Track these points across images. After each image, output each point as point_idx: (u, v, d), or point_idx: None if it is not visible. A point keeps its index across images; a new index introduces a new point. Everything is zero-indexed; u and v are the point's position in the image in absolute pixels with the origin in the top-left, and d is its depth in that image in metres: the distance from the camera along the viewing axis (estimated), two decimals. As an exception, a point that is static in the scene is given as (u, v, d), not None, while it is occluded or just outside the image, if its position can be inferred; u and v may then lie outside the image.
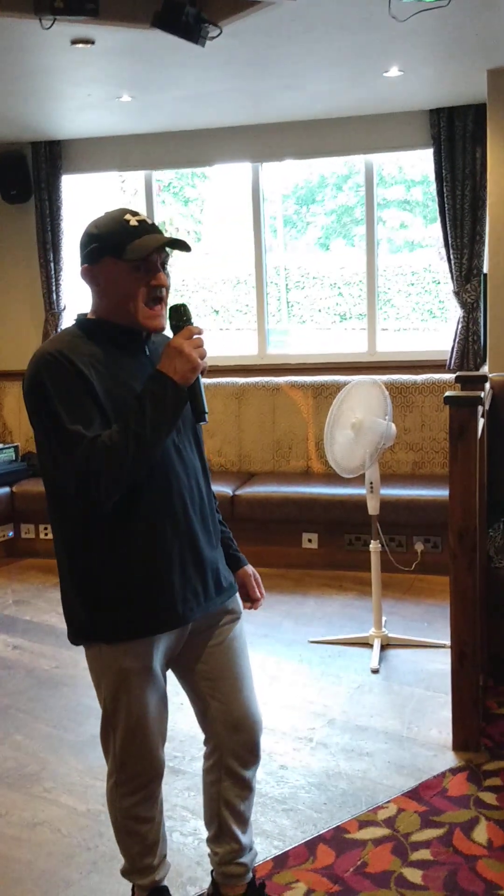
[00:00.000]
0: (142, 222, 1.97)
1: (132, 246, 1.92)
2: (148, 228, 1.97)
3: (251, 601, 2.31)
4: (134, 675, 2.01)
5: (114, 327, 1.99)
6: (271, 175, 6.07)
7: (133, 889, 2.26)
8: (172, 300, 2.16)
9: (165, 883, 2.26)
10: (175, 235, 1.98)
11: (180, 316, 1.96)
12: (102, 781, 3.01)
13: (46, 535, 5.74)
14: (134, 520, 1.94)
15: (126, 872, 2.24)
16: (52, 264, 6.29)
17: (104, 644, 2.01)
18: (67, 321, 6.38)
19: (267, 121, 5.78)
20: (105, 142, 6.17)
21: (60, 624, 4.56)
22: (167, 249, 2.00)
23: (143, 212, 6.17)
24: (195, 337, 1.92)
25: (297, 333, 6.28)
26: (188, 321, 1.96)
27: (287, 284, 6.22)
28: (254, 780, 2.25)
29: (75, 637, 2.09)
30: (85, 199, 6.41)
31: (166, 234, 2.01)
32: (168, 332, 2.04)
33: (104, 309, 2.00)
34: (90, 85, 4.80)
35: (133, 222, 1.96)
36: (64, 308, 6.36)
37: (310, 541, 5.27)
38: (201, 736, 2.26)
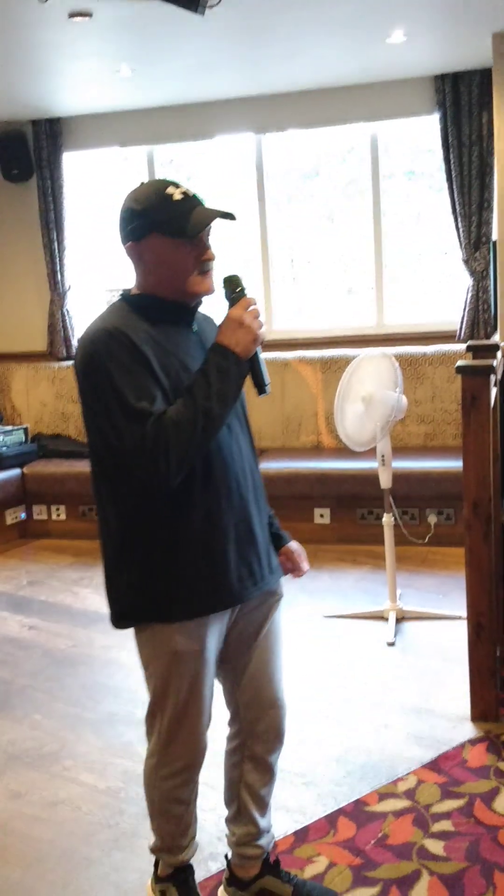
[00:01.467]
0: (185, 194, 1.90)
1: (182, 222, 1.86)
2: (193, 201, 1.91)
3: (295, 571, 2.27)
4: (187, 657, 1.97)
5: (162, 302, 1.94)
6: (274, 148, 5.97)
7: (157, 863, 2.26)
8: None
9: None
10: (219, 206, 1.96)
11: (234, 287, 1.92)
12: (122, 759, 3.05)
13: (59, 515, 5.75)
14: (190, 498, 1.91)
15: (156, 850, 2.22)
16: (55, 244, 6.25)
17: (157, 624, 1.96)
18: (73, 301, 6.35)
19: (269, 91, 5.70)
20: (106, 117, 6.10)
21: (75, 603, 4.58)
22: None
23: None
24: (252, 308, 1.89)
25: (303, 308, 6.22)
26: (243, 292, 1.91)
27: (293, 259, 6.17)
28: (276, 765, 2.25)
29: (122, 619, 2.03)
30: (87, 177, 6.35)
31: (207, 205, 1.94)
32: (201, 310, 2.01)
33: (151, 285, 1.95)
34: (89, 59, 4.75)
35: (177, 196, 1.89)
36: (69, 288, 6.32)
37: (322, 516, 5.26)
38: (226, 713, 2.24)
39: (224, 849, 2.37)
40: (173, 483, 1.81)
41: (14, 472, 5.72)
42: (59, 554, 5.45)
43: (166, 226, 1.87)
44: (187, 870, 2.23)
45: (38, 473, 5.72)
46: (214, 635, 2.01)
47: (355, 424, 4.00)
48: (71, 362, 6.29)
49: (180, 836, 2.18)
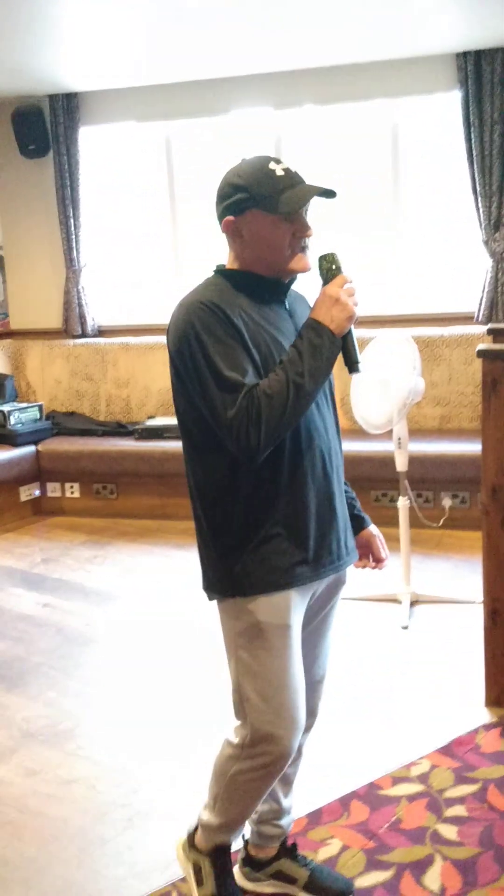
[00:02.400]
0: (286, 171, 1.91)
1: (283, 198, 1.87)
2: (294, 178, 1.91)
3: (376, 561, 2.27)
4: (270, 631, 1.94)
5: (258, 278, 1.94)
6: (292, 124, 5.91)
7: (193, 833, 2.20)
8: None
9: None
10: (317, 184, 1.95)
11: (330, 264, 1.91)
12: (136, 737, 3.07)
13: (73, 493, 5.76)
14: (277, 472, 1.91)
15: (207, 826, 2.15)
16: (71, 220, 6.21)
17: (240, 597, 1.95)
18: (87, 278, 6.32)
19: (288, 68, 5.63)
20: (123, 93, 6.04)
21: (89, 582, 4.60)
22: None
23: (164, 165, 6.09)
24: (348, 286, 1.88)
25: (313, 283, 6.16)
26: (339, 270, 1.91)
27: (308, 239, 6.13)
28: (304, 745, 2.24)
29: (209, 590, 2.03)
30: (103, 152, 6.30)
31: (307, 182, 1.93)
32: (312, 289, 1.99)
33: (247, 260, 1.95)
34: (107, 34, 4.69)
35: (279, 172, 1.89)
36: (84, 265, 6.29)
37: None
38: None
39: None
40: (262, 455, 1.82)
41: (29, 450, 5.72)
42: (72, 532, 5.46)
43: (267, 201, 1.87)
44: (227, 851, 2.19)
45: (53, 451, 5.73)
46: (298, 612, 1.99)
47: (372, 407, 3.97)
48: (86, 340, 6.29)
49: (240, 822, 2.14)
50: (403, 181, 5.75)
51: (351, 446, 5.16)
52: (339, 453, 2.09)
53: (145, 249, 6.38)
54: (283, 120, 5.90)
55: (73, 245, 6.25)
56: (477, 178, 5.36)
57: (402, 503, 4.07)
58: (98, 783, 2.84)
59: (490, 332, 3.72)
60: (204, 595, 2.07)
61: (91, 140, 6.23)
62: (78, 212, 6.21)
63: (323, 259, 1.93)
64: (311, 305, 1.94)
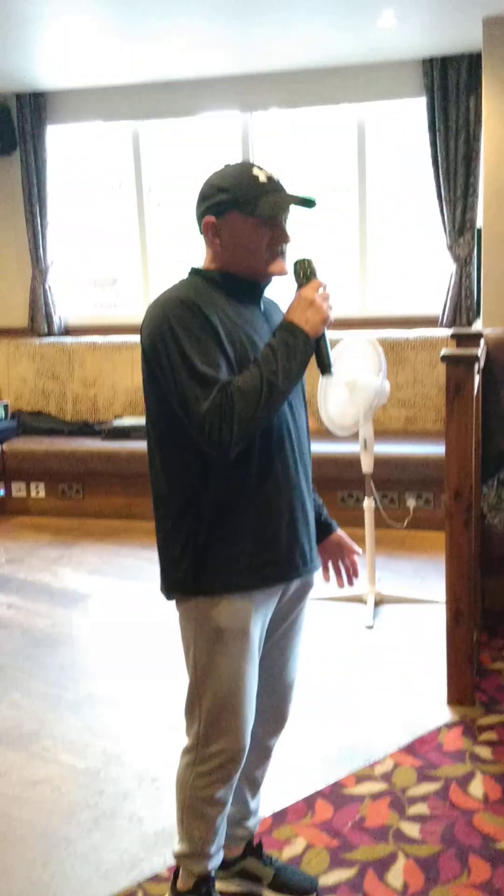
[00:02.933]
0: (269, 178, 1.94)
1: (264, 202, 1.90)
2: (276, 185, 1.94)
3: (350, 565, 2.25)
4: (229, 636, 1.94)
5: (234, 279, 1.96)
6: (259, 127, 5.94)
7: (176, 873, 2.16)
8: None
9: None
10: (298, 193, 1.96)
11: (306, 269, 1.95)
12: (101, 739, 3.06)
13: (38, 493, 5.73)
14: (246, 471, 1.91)
15: (181, 856, 2.11)
16: (38, 218, 6.19)
17: (202, 597, 1.95)
18: (54, 277, 6.30)
19: (256, 70, 5.66)
20: (91, 92, 6.03)
21: (55, 582, 4.58)
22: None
23: (132, 166, 6.07)
24: (322, 290, 1.91)
25: (286, 289, 6.19)
26: (314, 274, 1.94)
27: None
28: (273, 749, 2.25)
29: (169, 590, 2.02)
30: (71, 151, 6.28)
31: (287, 191, 1.97)
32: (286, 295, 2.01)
33: (223, 262, 1.96)
34: (76, 33, 4.68)
35: (262, 178, 1.92)
36: (51, 263, 6.26)
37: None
38: None
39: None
40: (233, 452, 1.82)
41: (-7, 449, 5.69)
42: (38, 532, 5.44)
43: (248, 205, 1.90)
44: (209, 881, 2.14)
45: (18, 450, 5.70)
46: (259, 619, 1.99)
47: (339, 409, 4.01)
48: (52, 339, 6.27)
49: (210, 843, 2.09)
50: (369, 185, 5.79)
51: (317, 447, 5.15)
52: (309, 455, 2.10)
53: (113, 248, 6.37)
54: (250, 122, 5.92)
55: (40, 243, 6.22)
56: (442, 184, 5.43)
57: (368, 504, 4.11)
58: (63, 784, 2.84)
59: (454, 336, 3.76)
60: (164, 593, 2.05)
61: (58, 139, 6.21)
62: (45, 210, 6.18)
63: (298, 264, 1.96)
64: (284, 311, 1.95)
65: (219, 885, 2.30)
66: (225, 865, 2.30)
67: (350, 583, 2.28)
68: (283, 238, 1.95)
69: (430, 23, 4.72)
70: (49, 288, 6.29)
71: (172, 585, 2.01)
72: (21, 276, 6.42)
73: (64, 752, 3.02)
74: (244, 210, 1.90)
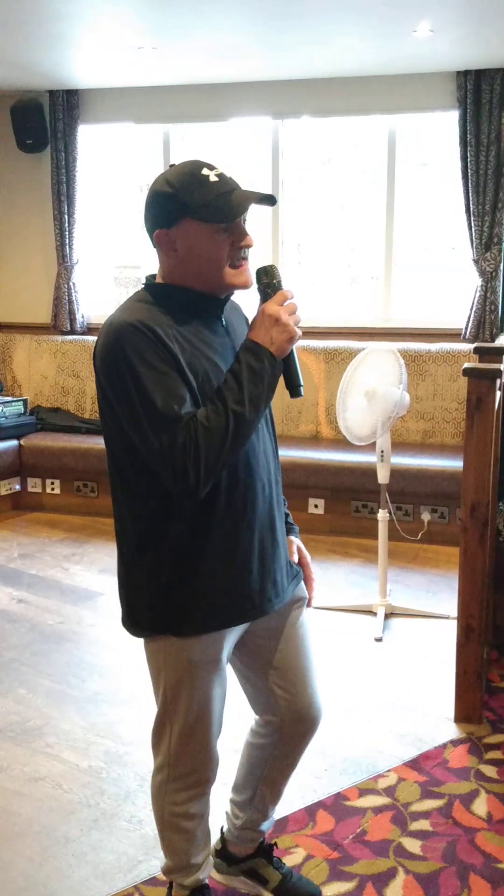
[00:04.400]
0: (220, 176, 1.75)
1: (218, 206, 1.71)
2: (229, 184, 1.75)
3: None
4: (201, 667, 1.87)
5: (191, 294, 1.79)
6: (289, 133, 5.94)
7: (169, 888, 2.13)
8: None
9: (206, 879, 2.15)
10: (257, 189, 1.79)
11: (271, 278, 1.77)
12: (105, 739, 3.05)
13: (53, 489, 5.74)
14: (215, 505, 1.78)
15: (168, 871, 2.09)
16: (66, 216, 6.21)
17: (172, 636, 1.86)
18: (79, 275, 6.32)
19: (288, 77, 5.66)
20: (123, 92, 6.06)
21: (66, 579, 4.58)
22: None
23: (161, 168, 6.10)
24: (288, 302, 1.74)
25: (308, 296, 6.19)
26: (279, 285, 1.76)
27: (299, 244, 6.15)
28: (300, 759, 2.21)
29: (136, 628, 1.91)
30: (101, 151, 6.31)
31: (243, 188, 1.78)
32: (240, 298, 1.89)
33: (180, 274, 1.79)
34: (110, 33, 4.70)
35: (212, 178, 1.74)
36: (77, 262, 6.29)
37: (316, 506, 5.26)
38: (237, 711, 2.20)
39: (219, 820, 2.37)
40: (202, 492, 1.69)
41: (11, 444, 5.71)
42: (51, 528, 5.45)
43: (202, 210, 1.72)
44: (204, 890, 2.11)
45: (35, 446, 5.71)
46: (230, 643, 1.93)
47: (356, 418, 3.99)
48: (75, 337, 6.29)
49: (194, 854, 2.05)
50: (398, 196, 5.78)
51: (334, 457, 5.21)
52: (279, 476, 1.98)
53: (138, 250, 6.39)
54: (281, 129, 5.92)
55: (67, 241, 6.25)
56: (471, 197, 5.41)
57: (382, 515, 4.09)
58: (65, 782, 2.84)
59: (477, 350, 3.74)
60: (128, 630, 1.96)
61: (89, 138, 6.23)
62: (73, 208, 6.21)
63: (262, 273, 1.78)
64: (248, 318, 1.80)
65: (224, 880, 2.31)
66: (234, 861, 2.29)
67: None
68: (244, 241, 1.77)
69: (466, 35, 4.71)
70: (73, 285, 6.31)
71: (140, 623, 1.90)
72: (46, 272, 6.44)
73: (67, 750, 3.02)
74: (198, 216, 1.72)
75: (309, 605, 2.12)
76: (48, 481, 5.76)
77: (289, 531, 2.11)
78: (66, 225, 6.23)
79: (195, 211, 1.73)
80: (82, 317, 6.37)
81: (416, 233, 5.84)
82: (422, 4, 4.16)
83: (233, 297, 1.93)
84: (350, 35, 4.70)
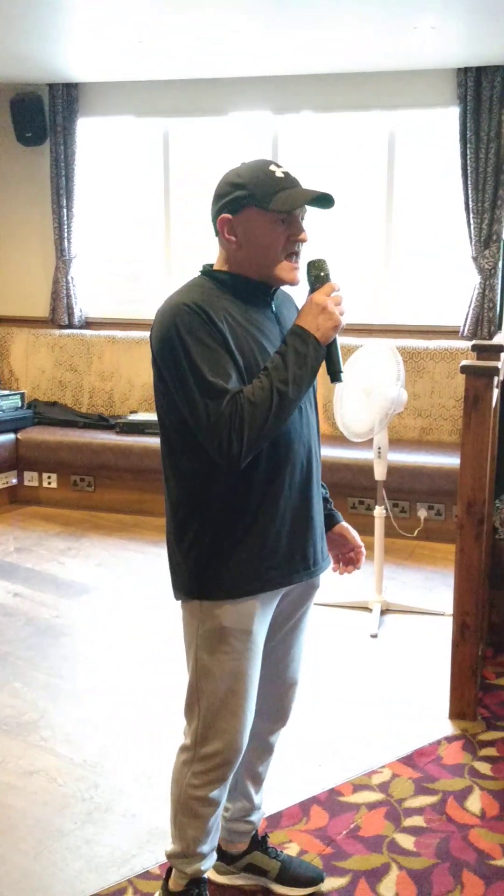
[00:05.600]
0: (286, 174, 1.89)
1: (280, 197, 1.84)
2: (293, 181, 1.89)
3: (353, 551, 2.25)
4: (232, 636, 1.94)
5: (246, 281, 1.92)
6: (289, 129, 5.93)
7: (168, 873, 2.15)
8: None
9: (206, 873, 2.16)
10: (316, 189, 1.90)
11: (319, 271, 1.89)
12: (100, 733, 3.06)
13: (50, 483, 5.74)
14: (254, 477, 1.89)
15: (174, 856, 2.11)
16: (64, 210, 6.20)
17: (206, 600, 1.94)
18: (78, 268, 6.31)
19: (288, 72, 5.66)
20: (123, 86, 6.05)
21: (62, 573, 4.58)
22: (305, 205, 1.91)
23: (160, 162, 6.09)
24: (335, 294, 1.86)
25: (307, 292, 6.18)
26: (327, 277, 1.89)
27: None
28: (275, 744, 2.26)
29: (177, 591, 2.01)
30: (100, 145, 6.30)
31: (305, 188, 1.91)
32: (299, 289, 1.98)
33: (238, 261, 1.91)
34: (111, 26, 4.69)
35: (279, 174, 1.88)
36: (75, 256, 6.28)
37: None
38: None
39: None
40: (243, 462, 1.80)
41: (8, 437, 5.70)
42: (47, 522, 5.45)
43: (265, 200, 1.85)
44: (201, 884, 2.12)
45: (32, 440, 5.71)
46: (263, 619, 1.99)
47: (354, 415, 3.99)
48: (72, 331, 6.28)
49: (203, 843, 2.08)
50: (397, 193, 5.78)
51: (331, 453, 5.20)
52: (319, 457, 2.08)
53: (137, 244, 6.38)
54: (280, 124, 5.91)
55: (65, 234, 6.24)
56: (470, 195, 5.41)
57: (379, 512, 4.09)
58: (59, 776, 2.84)
59: (474, 348, 3.74)
60: (173, 593, 2.06)
61: (88, 132, 6.22)
62: (72, 202, 6.20)
63: (312, 265, 1.91)
64: (298, 308, 1.92)
65: (226, 880, 2.32)
66: (231, 860, 2.31)
67: (349, 571, 2.27)
68: (299, 235, 1.90)
69: (467, 32, 4.70)
70: (72, 279, 6.30)
71: (179, 586, 2.01)
72: (45, 266, 6.44)
73: (62, 744, 3.02)
74: (260, 205, 1.85)
75: (359, 564, 2.26)
76: (45, 475, 5.76)
77: (337, 518, 2.24)
78: (65, 219, 6.22)
79: (258, 200, 1.86)
80: (80, 311, 6.37)
81: (415, 230, 5.83)
82: (423, 0, 4.15)
83: (286, 289, 2.04)
84: (351, 31, 4.69)
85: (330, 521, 2.22)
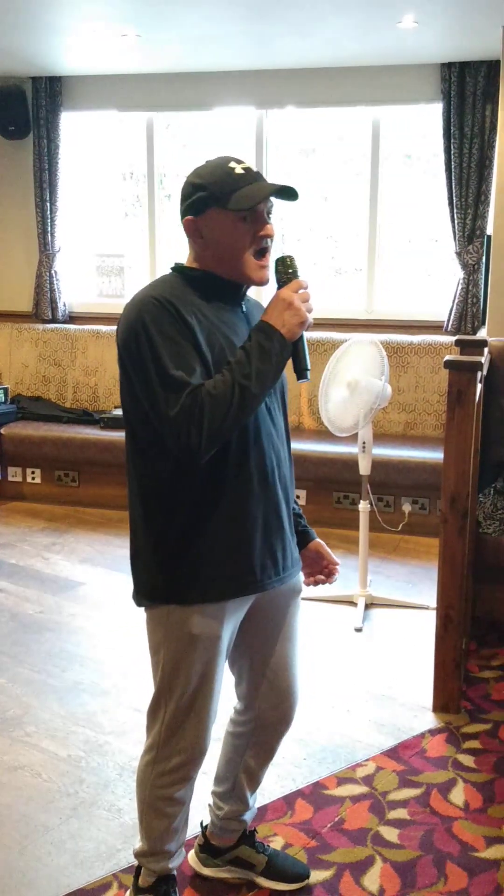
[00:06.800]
0: (247, 170, 1.87)
1: (239, 195, 1.82)
2: (254, 176, 1.87)
3: (328, 568, 2.22)
4: (201, 642, 1.92)
5: (216, 279, 1.90)
6: (273, 122, 5.93)
7: (138, 871, 2.16)
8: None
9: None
10: (281, 182, 1.89)
11: (287, 267, 1.88)
12: (84, 728, 3.05)
13: (34, 478, 5.72)
14: (222, 479, 1.86)
15: (141, 854, 2.13)
16: (48, 204, 6.17)
17: (175, 605, 1.91)
18: (61, 262, 6.29)
19: (272, 67, 5.65)
20: (107, 80, 6.02)
21: (46, 569, 4.57)
22: (271, 199, 1.89)
23: (144, 156, 6.07)
24: (303, 291, 1.85)
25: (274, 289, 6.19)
26: (295, 274, 1.87)
27: (283, 236, 6.14)
28: (277, 749, 2.25)
29: (142, 597, 1.98)
30: (84, 139, 6.27)
31: (269, 182, 1.90)
32: (265, 287, 1.97)
33: (207, 261, 1.90)
34: (95, 20, 4.67)
35: (238, 170, 1.86)
36: (59, 249, 6.25)
37: (298, 497, 5.25)
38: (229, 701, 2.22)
39: (199, 814, 2.39)
40: (203, 457, 1.77)
41: (-9, 433, 5.68)
42: (31, 518, 5.43)
43: (226, 199, 1.83)
44: (170, 880, 2.15)
45: (16, 435, 5.69)
46: (231, 623, 1.97)
47: (339, 409, 4.00)
48: (56, 325, 6.25)
49: (169, 841, 2.10)
50: (382, 188, 5.78)
51: (315, 448, 5.21)
52: (289, 461, 2.05)
53: (121, 238, 6.36)
54: (265, 120, 5.90)
55: (48, 228, 6.21)
56: (454, 190, 5.42)
57: (363, 506, 4.10)
58: (44, 771, 2.84)
59: (458, 343, 3.75)
60: (134, 599, 2.02)
61: (72, 125, 6.19)
62: (55, 196, 6.17)
63: (280, 262, 1.89)
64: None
65: (211, 873, 2.33)
66: (218, 853, 2.32)
67: (322, 582, 2.24)
68: (264, 231, 1.87)
69: (450, 28, 4.71)
70: (55, 273, 6.28)
71: (144, 592, 1.97)
72: (28, 260, 6.41)
73: (46, 739, 3.02)
74: (221, 204, 1.84)
75: (331, 579, 2.23)
76: (29, 470, 5.74)
77: (312, 535, 2.20)
78: (49, 213, 6.19)
79: (219, 199, 1.84)
80: (64, 305, 6.34)
81: (399, 225, 5.84)
82: (407, -5, 4.15)
83: (256, 296, 2.04)
84: (335, 25, 4.69)
85: (304, 538, 2.19)
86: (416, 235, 5.83)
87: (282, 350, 1.81)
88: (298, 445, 5.25)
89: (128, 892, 2.21)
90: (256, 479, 1.91)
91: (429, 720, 3.14)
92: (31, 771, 2.84)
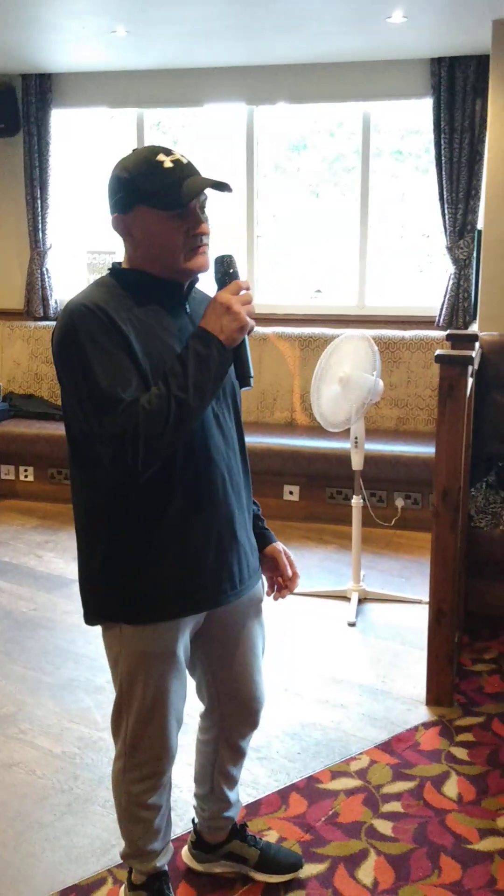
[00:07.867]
0: (176, 162, 1.73)
1: (169, 193, 1.70)
2: (184, 169, 1.73)
3: (282, 581, 2.11)
4: (155, 659, 1.87)
5: (152, 279, 1.78)
6: (263, 118, 5.92)
7: (130, 872, 2.17)
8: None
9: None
10: (213, 176, 1.77)
11: (226, 268, 1.76)
12: (78, 725, 3.06)
13: (27, 476, 5.72)
14: (169, 493, 1.77)
15: (127, 856, 2.14)
16: (38, 201, 6.16)
17: (126, 625, 1.86)
18: (53, 259, 6.28)
19: (262, 62, 5.64)
20: (97, 77, 6.00)
21: (39, 566, 4.57)
22: (204, 192, 1.76)
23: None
24: (243, 293, 1.73)
25: (283, 283, 6.20)
26: (235, 274, 1.76)
27: (275, 231, 6.15)
28: (247, 747, 2.24)
29: (93, 616, 1.92)
30: (74, 136, 6.26)
31: (202, 174, 1.77)
32: (206, 286, 1.87)
33: (140, 260, 1.79)
34: (84, 17, 4.65)
35: (167, 163, 1.72)
36: (50, 247, 6.24)
37: (291, 493, 5.27)
38: (195, 706, 2.22)
39: (189, 811, 2.40)
40: (143, 475, 1.67)
41: (-16, 431, 5.67)
42: (25, 515, 5.43)
43: (154, 197, 1.71)
44: (162, 877, 2.15)
45: (8, 433, 5.68)
46: (186, 635, 1.92)
47: (331, 405, 4.00)
48: (48, 322, 6.25)
49: (151, 842, 2.09)
50: (372, 183, 5.78)
51: (308, 443, 5.22)
52: (243, 469, 1.96)
53: (113, 235, 6.35)
54: (255, 115, 5.90)
55: (39, 226, 6.20)
56: (444, 185, 5.42)
57: (356, 501, 4.11)
58: (38, 768, 2.84)
59: (449, 337, 3.76)
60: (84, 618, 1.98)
61: (62, 122, 6.18)
62: (46, 193, 6.15)
63: (218, 262, 1.77)
64: None
65: (205, 868, 2.34)
66: (210, 849, 2.32)
67: (282, 595, 2.13)
68: (199, 229, 1.75)
69: (439, 23, 4.71)
70: (47, 271, 6.27)
71: (94, 612, 1.91)
72: (19, 257, 6.39)
73: (41, 736, 3.02)
74: (151, 203, 1.71)
75: (288, 591, 2.12)
76: (21, 468, 5.73)
77: (269, 539, 2.11)
78: (39, 210, 6.18)
79: (147, 198, 1.72)
80: (55, 302, 6.33)
81: (390, 220, 5.85)
82: (396, -10, 4.16)
83: (203, 290, 1.93)
84: (324, 21, 4.68)
85: (263, 541, 2.10)
86: (407, 231, 5.83)
87: (221, 358, 1.69)
88: (291, 441, 5.26)
89: (122, 889, 2.22)
90: (205, 493, 1.82)
91: (422, 713, 3.15)
92: (26, 768, 2.84)
